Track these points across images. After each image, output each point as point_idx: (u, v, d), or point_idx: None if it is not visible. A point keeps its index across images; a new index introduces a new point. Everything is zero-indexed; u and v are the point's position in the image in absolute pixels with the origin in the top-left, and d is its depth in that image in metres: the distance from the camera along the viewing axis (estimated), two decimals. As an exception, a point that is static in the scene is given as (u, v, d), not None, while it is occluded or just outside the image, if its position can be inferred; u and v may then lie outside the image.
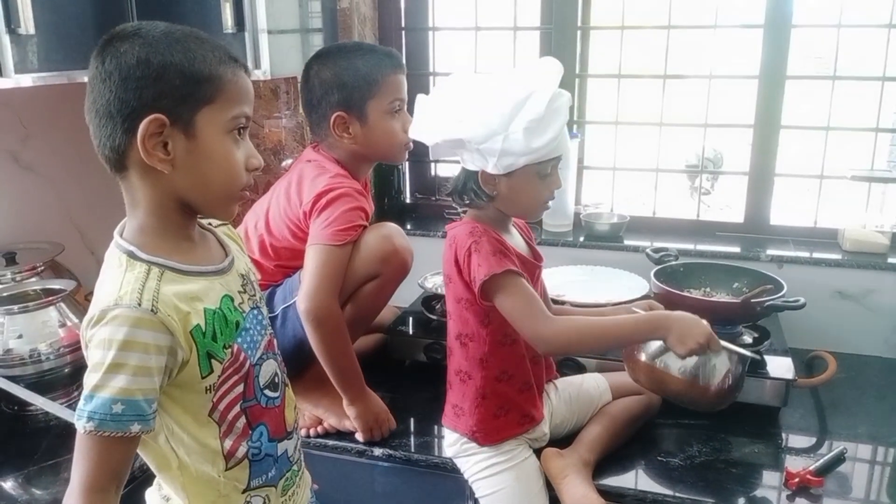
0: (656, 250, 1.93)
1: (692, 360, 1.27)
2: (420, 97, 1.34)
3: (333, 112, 1.53)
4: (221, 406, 0.98)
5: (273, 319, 1.51)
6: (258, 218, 1.60)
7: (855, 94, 2.06)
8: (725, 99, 2.12)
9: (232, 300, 1.01)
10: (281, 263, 1.57)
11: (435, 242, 2.20)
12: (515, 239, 1.41)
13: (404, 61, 2.26)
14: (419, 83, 2.31)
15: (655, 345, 1.31)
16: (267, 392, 1.05)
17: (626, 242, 2.11)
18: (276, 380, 1.08)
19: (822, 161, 2.05)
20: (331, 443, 1.53)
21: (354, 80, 1.52)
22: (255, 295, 1.07)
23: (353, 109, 1.53)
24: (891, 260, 1.92)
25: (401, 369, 1.81)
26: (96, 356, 0.87)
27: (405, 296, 1.86)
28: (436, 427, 1.58)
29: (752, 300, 1.62)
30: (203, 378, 0.95)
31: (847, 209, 2.06)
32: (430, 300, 1.91)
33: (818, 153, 2.05)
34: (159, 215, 0.95)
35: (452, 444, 1.41)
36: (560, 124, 1.25)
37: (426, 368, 1.76)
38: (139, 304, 0.88)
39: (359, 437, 1.51)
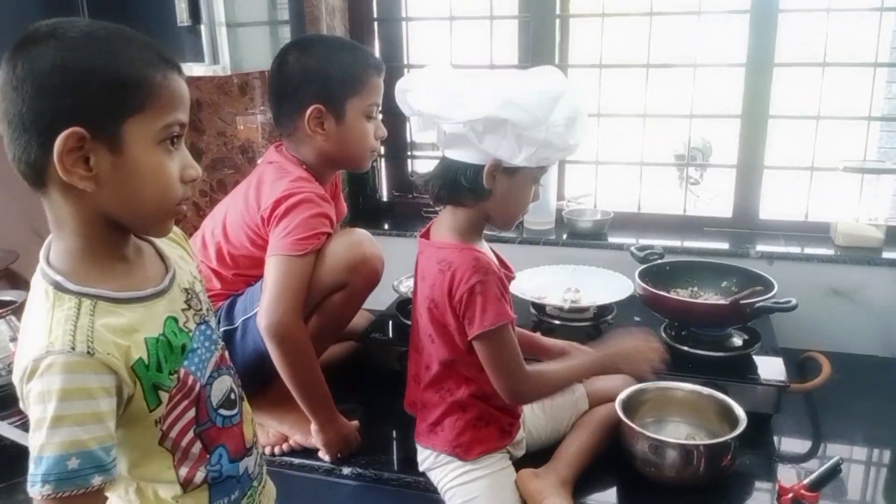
0: (641, 248, 1.84)
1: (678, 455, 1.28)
2: (437, 68, 1.25)
3: (311, 104, 1.43)
4: (173, 434, 0.91)
5: (233, 332, 1.43)
6: (215, 224, 1.50)
7: (846, 82, 1.97)
8: (712, 88, 2.03)
9: (176, 321, 0.93)
10: (240, 272, 1.47)
11: (412, 243, 2.08)
12: (484, 247, 1.33)
13: (377, 53, 2.20)
14: (393, 76, 2.19)
15: (643, 447, 1.31)
16: (222, 411, 0.99)
17: (611, 240, 2.03)
18: (232, 396, 1.01)
19: (812, 152, 1.97)
20: (297, 461, 1.44)
21: (339, 74, 1.43)
22: (201, 309, 0.99)
23: (332, 104, 1.44)
24: (885, 254, 1.85)
25: (374, 378, 1.71)
26: (36, 412, 0.79)
27: (381, 298, 1.78)
28: (409, 442, 1.49)
29: (742, 302, 1.54)
30: (151, 411, 0.87)
31: (839, 202, 1.98)
32: (406, 304, 1.82)
33: (808, 144, 1.97)
34: (87, 236, 0.86)
35: (426, 458, 1.33)
36: (588, 126, 1.19)
37: (401, 377, 1.67)
38: (73, 348, 0.79)
39: (324, 456, 1.42)
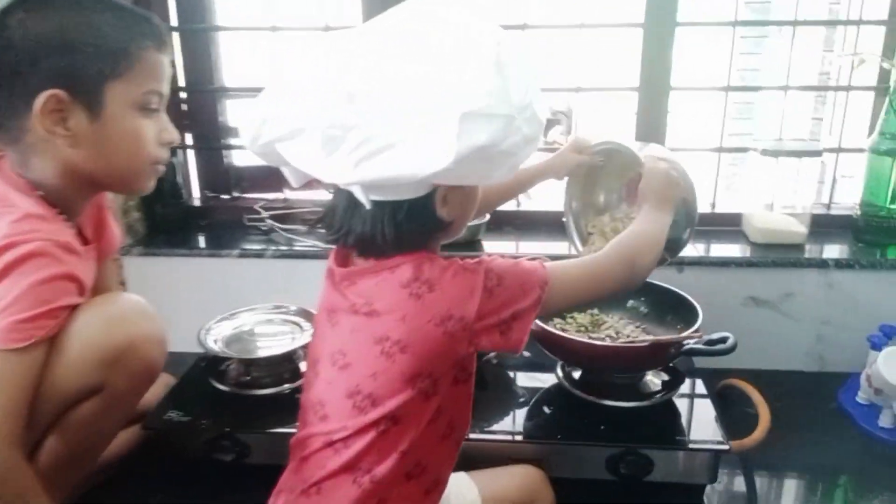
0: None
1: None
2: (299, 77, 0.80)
3: (45, 88, 0.92)
4: None
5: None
6: None
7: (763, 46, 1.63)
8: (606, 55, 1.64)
9: None
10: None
11: (230, 265, 1.60)
12: None
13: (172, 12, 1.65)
14: (196, 42, 1.68)
15: None
16: None
17: (488, 249, 1.61)
18: None
19: (721, 130, 1.63)
20: None
21: (91, 43, 0.94)
22: None
23: (80, 89, 0.94)
24: (809, 254, 1.54)
25: (171, 477, 1.22)
26: None
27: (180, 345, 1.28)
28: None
29: (665, 343, 1.18)
30: None
31: (751, 188, 1.66)
32: (219, 364, 1.33)
33: (718, 120, 1.63)
34: None
35: None
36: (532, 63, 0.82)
37: (213, 472, 1.19)
38: None
39: None
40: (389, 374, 0.82)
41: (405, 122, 0.73)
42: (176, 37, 1.65)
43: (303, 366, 1.31)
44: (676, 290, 1.34)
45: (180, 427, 1.20)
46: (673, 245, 1.05)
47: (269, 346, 1.31)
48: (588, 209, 1.33)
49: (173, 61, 1.06)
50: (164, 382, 1.31)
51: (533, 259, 0.89)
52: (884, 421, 1.33)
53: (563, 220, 1.34)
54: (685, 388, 1.28)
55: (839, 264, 1.49)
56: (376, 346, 0.82)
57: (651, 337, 1.25)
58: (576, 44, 1.59)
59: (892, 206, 1.53)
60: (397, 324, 0.81)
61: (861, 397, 1.40)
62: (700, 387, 1.30)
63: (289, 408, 1.13)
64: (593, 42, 1.59)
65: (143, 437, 1.23)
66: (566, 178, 1.28)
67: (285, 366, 1.30)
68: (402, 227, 0.82)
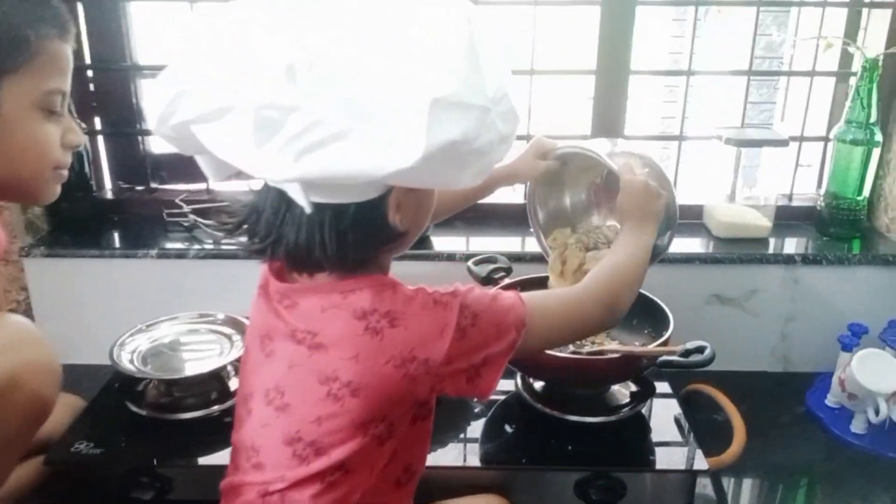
0: (480, 261, 1.32)
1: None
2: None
3: None
4: None
5: None
6: None
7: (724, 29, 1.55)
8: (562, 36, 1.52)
9: None
10: None
11: (148, 267, 1.43)
12: None
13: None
14: (103, 16, 1.48)
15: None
16: None
17: (438, 248, 1.48)
18: None
19: (681, 116, 1.54)
20: None
21: None
22: None
23: None
24: (773, 248, 1.47)
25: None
26: None
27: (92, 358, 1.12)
28: None
29: (639, 356, 1.08)
30: None
31: (711, 178, 1.58)
32: (134, 384, 1.16)
33: (675, 106, 1.54)
34: None
35: None
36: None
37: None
38: None
39: None
40: (337, 420, 0.69)
41: (360, 107, 0.59)
42: (80, 8, 1.46)
43: (233, 383, 1.17)
44: (645, 292, 1.24)
45: (90, 461, 1.04)
46: (653, 252, 0.95)
47: (195, 361, 1.16)
48: (554, 216, 1.22)
49: (78, 34, 0.89)
50: (70, 406, 1.14)
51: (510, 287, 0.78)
52: (856, 426, 1.27)
53: (531, 229, 1.22)
54: (664, 413, 1.19)
55: (806, 260, 1.42)
56: (322, 387, 0.68)
57: (624, 347, 1.14)
58: (530, 23, 1.46)
59: (860, 198, 1.46)
60: (348, 363, 0.68)
61: (831, 400, 1.34)
62: (667, 393, 1.22)
63: (218, 433, 1.00)
64: (549, 21, 1.47)
65: (45, 473, 1.06)
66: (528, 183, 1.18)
67: (213, 385, 1.15)
68: (347, 237, 0.68)
